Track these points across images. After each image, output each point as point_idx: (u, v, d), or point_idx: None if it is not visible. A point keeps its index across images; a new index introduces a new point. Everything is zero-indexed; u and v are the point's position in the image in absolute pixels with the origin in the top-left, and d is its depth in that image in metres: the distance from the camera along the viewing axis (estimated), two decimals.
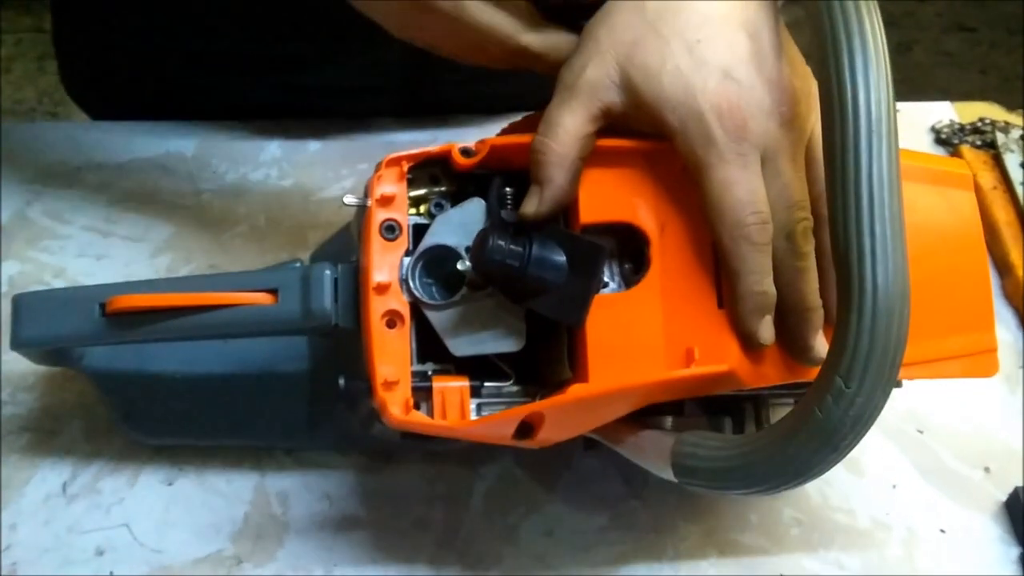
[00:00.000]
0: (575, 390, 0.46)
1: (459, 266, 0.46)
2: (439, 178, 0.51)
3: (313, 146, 0.76)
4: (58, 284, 0.66)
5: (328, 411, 0.58)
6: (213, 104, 0.76)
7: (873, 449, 0.62)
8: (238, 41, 0.73)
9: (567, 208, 0.46)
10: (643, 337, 0.46)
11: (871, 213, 0.37)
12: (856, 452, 0.38)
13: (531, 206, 0.46)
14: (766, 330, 0.43)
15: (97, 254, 0.69)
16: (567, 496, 0.60)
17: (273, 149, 0.75)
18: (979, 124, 0.81)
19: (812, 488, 0.60)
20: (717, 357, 0.45)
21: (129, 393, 0.57)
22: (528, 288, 0.46)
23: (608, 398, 0.46)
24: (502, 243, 0.45)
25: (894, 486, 0.61)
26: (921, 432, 0.63)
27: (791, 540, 0.58)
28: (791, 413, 0.40)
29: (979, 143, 0.80)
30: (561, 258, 0.46)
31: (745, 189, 0.42)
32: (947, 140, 0.82)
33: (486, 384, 0.50)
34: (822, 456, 0.38)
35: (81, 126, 0.78)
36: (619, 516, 0.59)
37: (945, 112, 0.83)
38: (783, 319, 0.45)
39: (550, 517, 0.59)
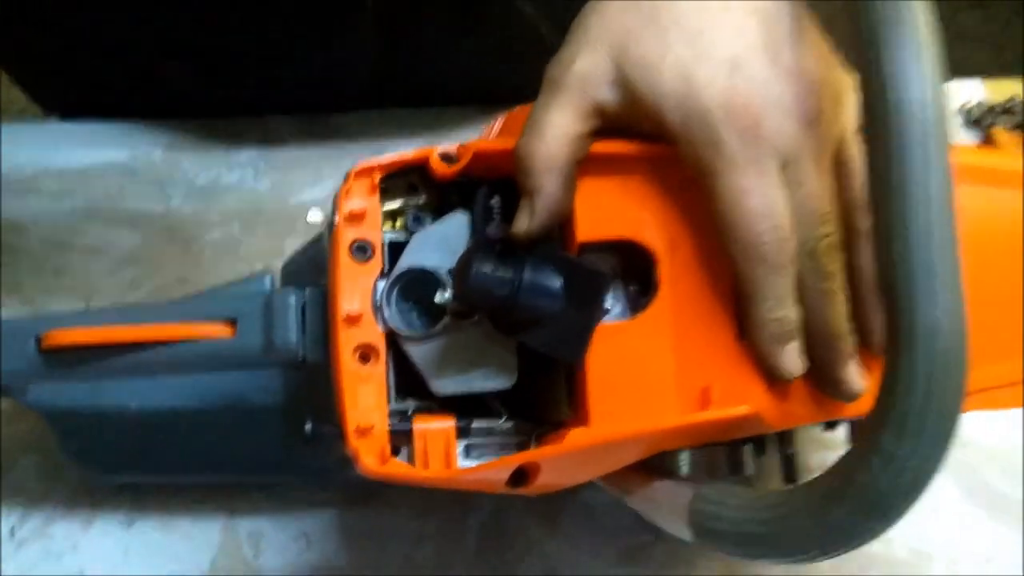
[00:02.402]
0: (574, 436, 0.40)
1: (437, 299, 0.40)
2: (417, 187, 0.45)
3: (292, 145, 0.70)
4: (11, 303, 0.61)
5: (304, 442, 0.52)
6: (184, 101, 0.70)
7: None
8: (211, 32, 0.67)
9: (562, 223, 0.40)
10: (652, 374, 0.40)
11: (927, 238, 0.30)
12: None
13: (522, 222, 0.39)
14: (790, 361, 0.38)
15: (55, 268, 0.63)
16: (571, 531, 0.55)
17: (249, 149, 0.69)
18: (1010, 104, 0.74)
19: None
20: (737, 396, 0.39)
21: (81, 427, 0.52)
22: (519, 319, 0.40)
23: (612, 446, 0.40)
24: (487, 269, 0.39)
25: (935, 510, 0.56)
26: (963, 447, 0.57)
27: (822, 574, 0.52)
28: (832, 471, 0.34)
29: (1010, 124, 0.73)
30: (557, 285, 0.40)
31: (760, 200, 0.36)
32: (978, 121, 0.75)
33: (475, 424, 0.44)
34: (868, 527, 0.32)
35: (39, 127, 0.72)
36: (630, 553, 0.55)
37: (975, 91, 0.76)
38: (809, 349, 0.39)
39: (552, 555, 0.55)
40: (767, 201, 0.36)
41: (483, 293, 0.39)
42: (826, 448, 0.57)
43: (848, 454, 0.34)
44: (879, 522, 0.32)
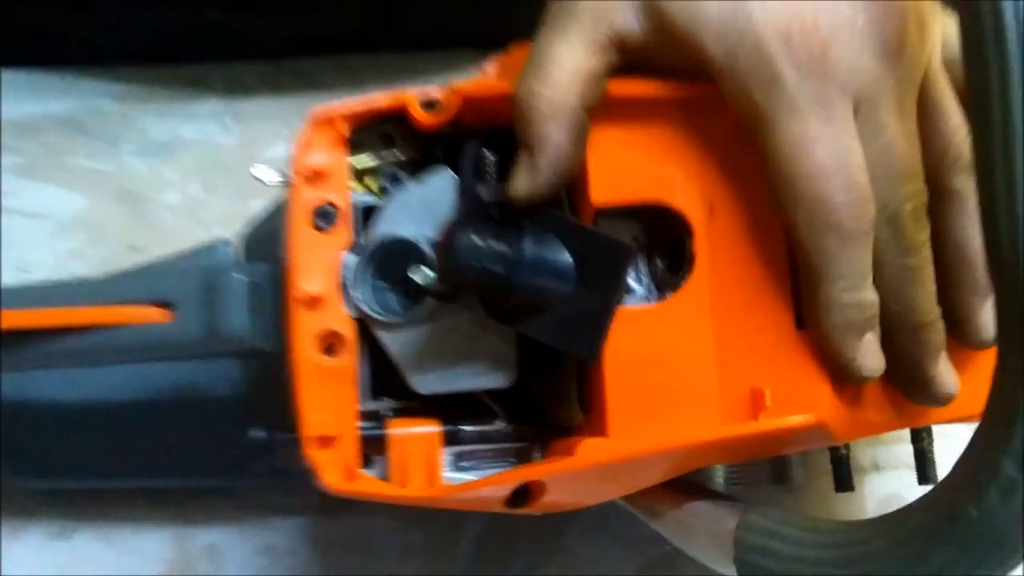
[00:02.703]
0: (588, 449, 0.32)
1: (416, 277, 0.32)
2: (395, 140, 0.37)
3: (261, 94, 0.62)
4: None
5: (268, 439, 0.44)
6: (137, 46, 0.61)
7: None
8: None
9: (572, 184, 0.34)
10: (686, 372, 0.33)
11: None
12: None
13: (521, 182, 0.31)
14: (867, 356, 0.31)
15: None
16: (583, 542, 0.49)
17: (212, 99, 0.61)
18: None
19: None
20: (797, 401, 0.32)
21: (6, 424, 0.44)
22: (518, 303, 0.32)
23: (636, 462, 0.32)
24: (478, 241, 0.31)
25: None
26: None
27: None
28: (931, 500, 0.27)
29: None
30: (565, 260, 0.32)
31: (829, 151, 0.30)
32: None
33: (465, 429, 0.36)
34: (981, 573, 0.24)
35: None
36: (651, 566, 0.49)
37: None
38: (889, 340, 0.32)
39: (562, 568, 0.49)
40: (838, 153, 0.30)
41: (473, 271, 0.31)
42: (880, 442, 0.49)
43: (952, 478, 0.26)
44: (995, 568, 0.25)
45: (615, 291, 0.32)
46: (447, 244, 0.32)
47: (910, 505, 0.27)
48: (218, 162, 0.59)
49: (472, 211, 0.33)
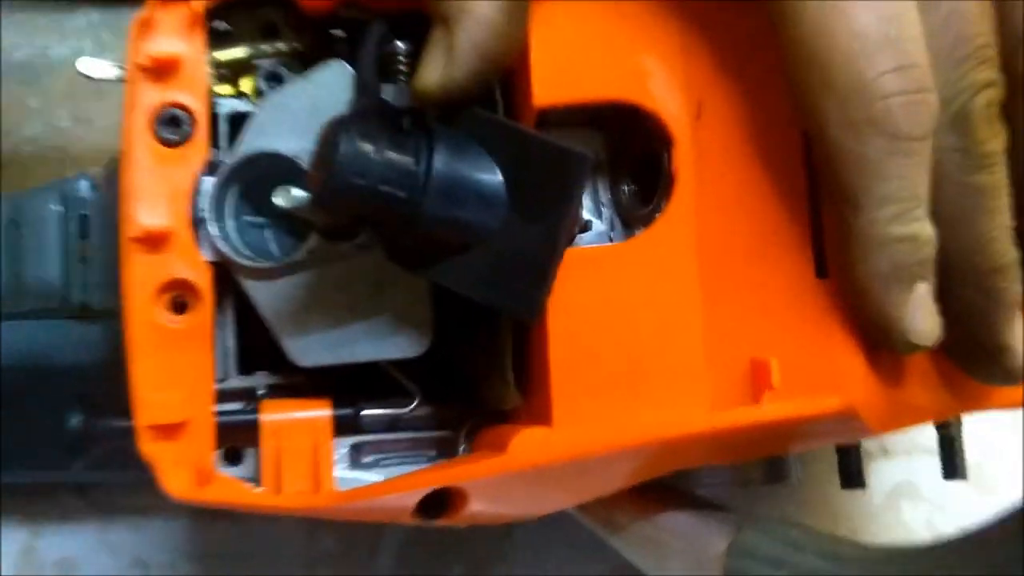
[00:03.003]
0: (526, 443, 0.24)
1: (280, 200, 0.23)
2: (277, 27, 0.28)
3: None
4: None
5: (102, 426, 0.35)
6: None
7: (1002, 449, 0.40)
8: None
9: (507, 78, 0.25)
10: (662, 337, 0.24)
11: None
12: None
13: (432, 69, 0.23)
14: (920, 315, 0.23)
15: None
16: (536, 545, 0.42)
17: (88, 11, 0.52)
18: None
19: (917, 518, 0.41)
20: (817, 379, 0.23)
21: None
22: (429, 242, 0.23)
23: (592, 463, 0.23)
24: (369, 149, 0.22)
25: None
26: None
27: None
28: (999, 525, 0.18)
29: None
30: (494, 179, 0.23)
31: (875, 16, 0.22)
32: None
33: (367, 412, 0.27)
34: None
35: None
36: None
37: None
38: (945, 294, 0.24)
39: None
40: (887, 18, 0.22)
41: (360, 191, 0.22)
42: None
43: None
44: None
45: (564, 222, 0.23)
46: (324, 152, 0.22)
47: (969, 534, 0.18)
48: (92, 86, 0.50)
49: (364, 112, 0.24)
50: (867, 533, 0.40)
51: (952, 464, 0.31)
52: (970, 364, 0.25)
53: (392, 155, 0.23)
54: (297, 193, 0.23)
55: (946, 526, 0.41)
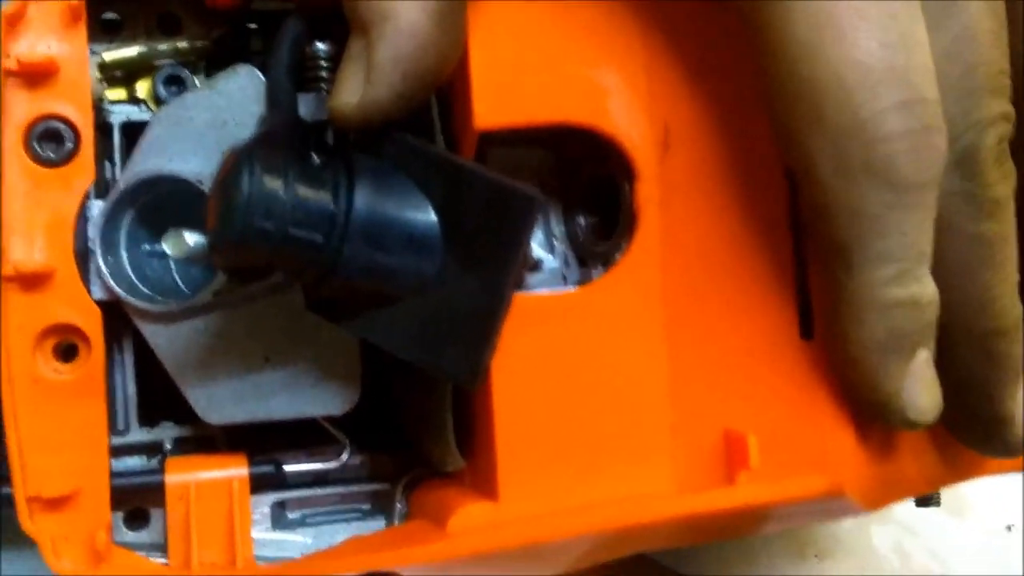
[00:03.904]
0: (467, 522, 0.20)
1: (169, 247, 0.19)
2: (179, 21, 0.24)
3: None
4: None
5: None
6: None
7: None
8: None
9: (443, 96, 0.22)
10: (622, 402, 0.21)
11: None
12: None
13: (349, 87, 0.20)
14: (919, 388, 0.20)
15: None
16: None
17: None
18: None
19: (886, 542, 0.39)
20: (800, 455, 0.20)
21: None
22: (349, 291, 0.19)
23: (542, 548, 0.20)
24: (276, 186, 0.18)
25: (1009, 527, 0.42)
26: None
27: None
28: None
29: None
30: (426, 220, 0.19)
31: (878, 40, 0.18)
32: None
33: (290, 467, 0.24)
34: None
35: None
36: None
37: None
38: (941, 355, 0.21)
39: None
40: (893, 42, 0.18)
41: (265, 237, 0.18)
42: None
43: None
44: None
45: (509, 273, 0.19)
46: (224, 190, 0.19)
47: None
48: None
49: (272, 134, 0.20)
50: (835, 557, 0.38)
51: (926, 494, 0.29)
52: (966, 434, 0.22)
53: (305, 192, 0.19)
54: (192, 239, 0.19)
55: (916, 550, 0.39)
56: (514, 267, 0.19)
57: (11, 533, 0.33)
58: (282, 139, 0.20)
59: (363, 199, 0.19)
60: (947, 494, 0.30)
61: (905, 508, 0.33)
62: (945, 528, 0.39)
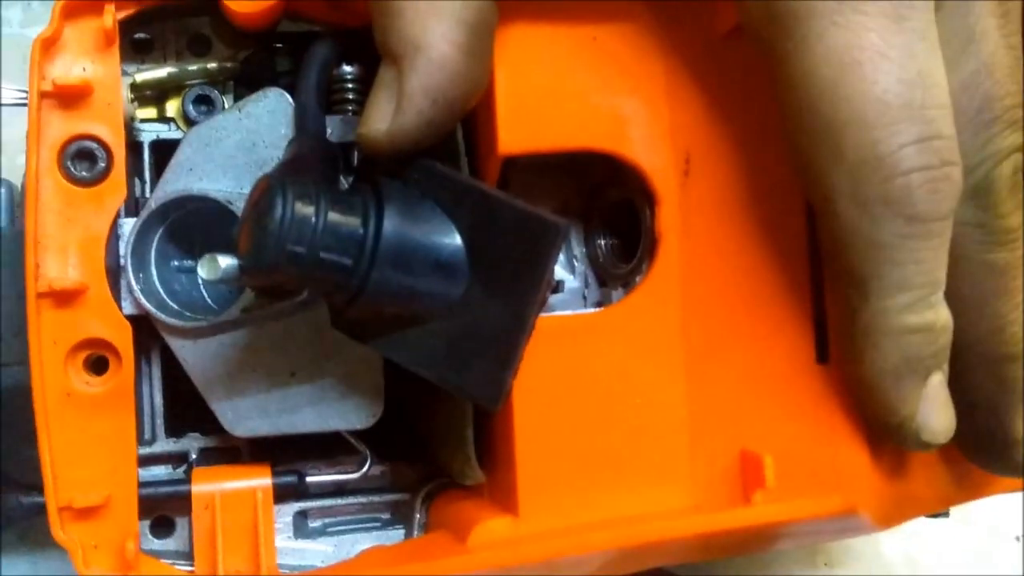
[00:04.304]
0: (487, 537, 0.21)
1: (204, 271, 0.19)
2: (210, 42, 0.24)
3: None
4: None
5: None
6: None
7: None
8: None
9: (469, 123, 0.22)
10: (640, 423, 0.21)
11: None
12: None
13: (379, 114, 0.20)
14: (934, 411, 0.21)
15: None
16: None
17: None
18: None
19: (895, 549, 0.39)
20: (815, 476, 0.21)
21: None
22: (376, 312, 0.20)
23: (560, 563, 0.20)
24: (307, 211, 0.19)
25: (1018, 538, 0.42)
26: None
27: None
28: None
29: None
30: (452, 245, 0.20)
31: (897, 75, 0.19)
32: None
33: (311, 476, 0.24)
34: None
35: None
36: None
37: None
38: (956, 382, 0.21)
39: None
40: (910, 78, 0.19)
41: (296, 260, 0.19)
42: None
43: None
44: None
45: (533, 299, 0.20)
46: (256, 216, 0.19)
47: None
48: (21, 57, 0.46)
49: (302, 158, 0.21)
50: (845, 565, 0.38)
51: None
52: (977, 454, 0.22)
53: (335, 217, 0.20)
54: (225, 262, 0.20)
55: (925, 556, 0.39)
56: (539, 293, 0.20)
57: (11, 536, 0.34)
58: (312, 163, 0.21)
59: (391, 224, 0.20)
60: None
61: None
62: (954, 536, 0.40)
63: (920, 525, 0.40)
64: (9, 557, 0.35)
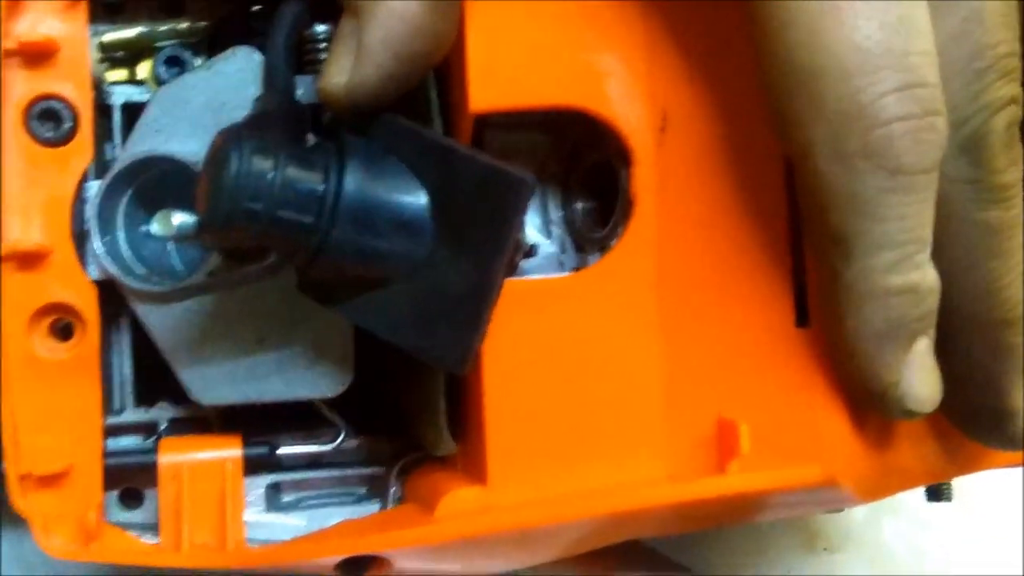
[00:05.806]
0: (455, 507, 0.20)
1: (157, 227, 0.19)
2: (183, 4, 0.24)
3: None
4: None
5: None
6: None
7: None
8: None
9: (440, 78, 0.21)
10: (614, 389, 0.20)
11: None
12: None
13: (337, 69, 0.20)
14: (918, 378, 0.20)
15: None
16: None
17: None
18: None
19: (899, 536, 0.38)
20: (793, 444, 0.20)
21: None
22: (338, 273, 0.19)
23: (530, 534, 0.20)
24: (266, 166, 0.18)
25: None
26: None
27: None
28: None
29: None
30: (416, 203, 0.19)
31: (878, 23, 0.18)
32: None
33: (284, 448, 0.24)
34: None
35: None
36: None
37: None
38: (946, 349, 0.20)
39: None
40: (892, 25, 0.18)
41: (253, 218, 0.18)
42: None
43: None
44: None
45: (499, 257, 0.19)
46: (212, 170, 0.19)
47: None
48: None
49: (266, 115, 0.20)
50: (845, 551, 0.37)
51: (937, 486, 0.28)
52: (969, 426, 0.21)
53: (294, 173, 0.19)
54: (180, 219, 0.19)
55: (929, 544, 0.38)
56: (505, 251, 0.19)
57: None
58: (276, 120, 0.20)
59: (353, 181, 0.19)
60: (959, 489, 0.29)
61: (916, 502, 0.32)
62: (957, 523, 0.38)
63: (924, 512, 0.39)
64: None
